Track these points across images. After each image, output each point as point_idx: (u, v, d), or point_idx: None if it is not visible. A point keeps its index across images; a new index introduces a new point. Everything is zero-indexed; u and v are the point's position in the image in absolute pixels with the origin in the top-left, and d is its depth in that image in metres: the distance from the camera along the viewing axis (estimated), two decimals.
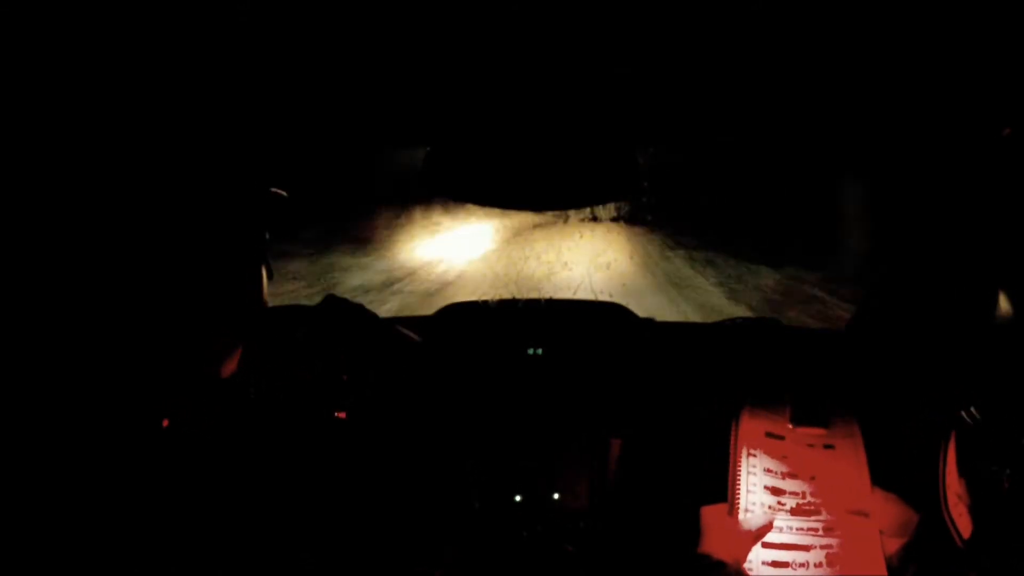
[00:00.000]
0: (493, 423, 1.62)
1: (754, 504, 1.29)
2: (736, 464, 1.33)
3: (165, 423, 1.18)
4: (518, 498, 1.55)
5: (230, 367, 1.25)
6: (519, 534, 1.51)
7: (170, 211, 1.21)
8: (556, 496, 1.55)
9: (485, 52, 1.28)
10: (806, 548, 1.25)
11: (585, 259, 8.56)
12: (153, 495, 1.14)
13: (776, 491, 1.30)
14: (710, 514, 1.31)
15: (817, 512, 1.28)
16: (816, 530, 1.27)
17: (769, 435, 1.35)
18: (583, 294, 6.35)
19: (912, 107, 1.32)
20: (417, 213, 9.95)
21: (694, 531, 1.31)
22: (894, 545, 1.24)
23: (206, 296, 1.21)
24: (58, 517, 1.10)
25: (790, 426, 1.36)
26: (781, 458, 1.33)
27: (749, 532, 1.26)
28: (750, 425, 1.36)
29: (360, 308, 1.68)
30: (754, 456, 1.33)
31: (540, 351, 1.72)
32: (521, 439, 1.60)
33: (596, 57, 1.27)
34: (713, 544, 1.26)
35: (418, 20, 1.22)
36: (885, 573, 1.22)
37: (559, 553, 1.48)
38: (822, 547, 1.25)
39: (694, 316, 6.20)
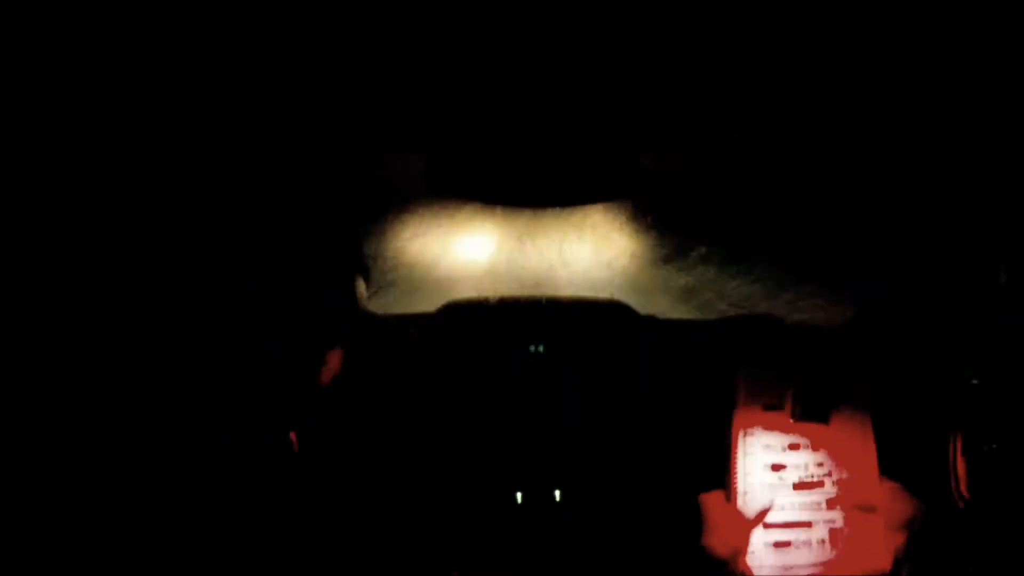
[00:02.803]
0: (494, 420, 1.62)
1: (752, 486, 1.27)
2: (733, 448, 1.30)
3: (293, 436, 1.21)
4: (519, 496, 1.55)
5: (331, 373, 1.25)
6: (521, 532, 1.51)
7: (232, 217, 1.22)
8: (558, 493, 1.55)
9: (486, 52, 1.28)
10: (808, 525, 1.24)
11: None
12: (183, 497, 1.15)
13: (776, 467, 1.28)
14: (710, 502, 1.29)
15: (820, 484, 1.26)
16: (819, 504, 1.26)
17: (769, 407, 1.32)
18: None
19: (912, 107, 1.32)
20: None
21: (696, 522, 1.30)
22: (899, 538, 1.23)
23: (300, 303, 1.21)
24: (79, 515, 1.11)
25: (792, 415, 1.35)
26: (782, 430, 1.30)
27: (750, 516, 1.25)
28: (747, 400, 1.33)
29: (357, 305, 1.67)
30: (751, 435, 1.30)
31: (541, 348, 1.72)
32: (522, 436, 1.60)
33: (596, 57, 1.27)
34: (715, 533, 1.25)
35: (420, 21, 1.22)
36: (890, 551, 1.21)
37: (562, 548, 1.49)
38: (825, 522, 1.24)
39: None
